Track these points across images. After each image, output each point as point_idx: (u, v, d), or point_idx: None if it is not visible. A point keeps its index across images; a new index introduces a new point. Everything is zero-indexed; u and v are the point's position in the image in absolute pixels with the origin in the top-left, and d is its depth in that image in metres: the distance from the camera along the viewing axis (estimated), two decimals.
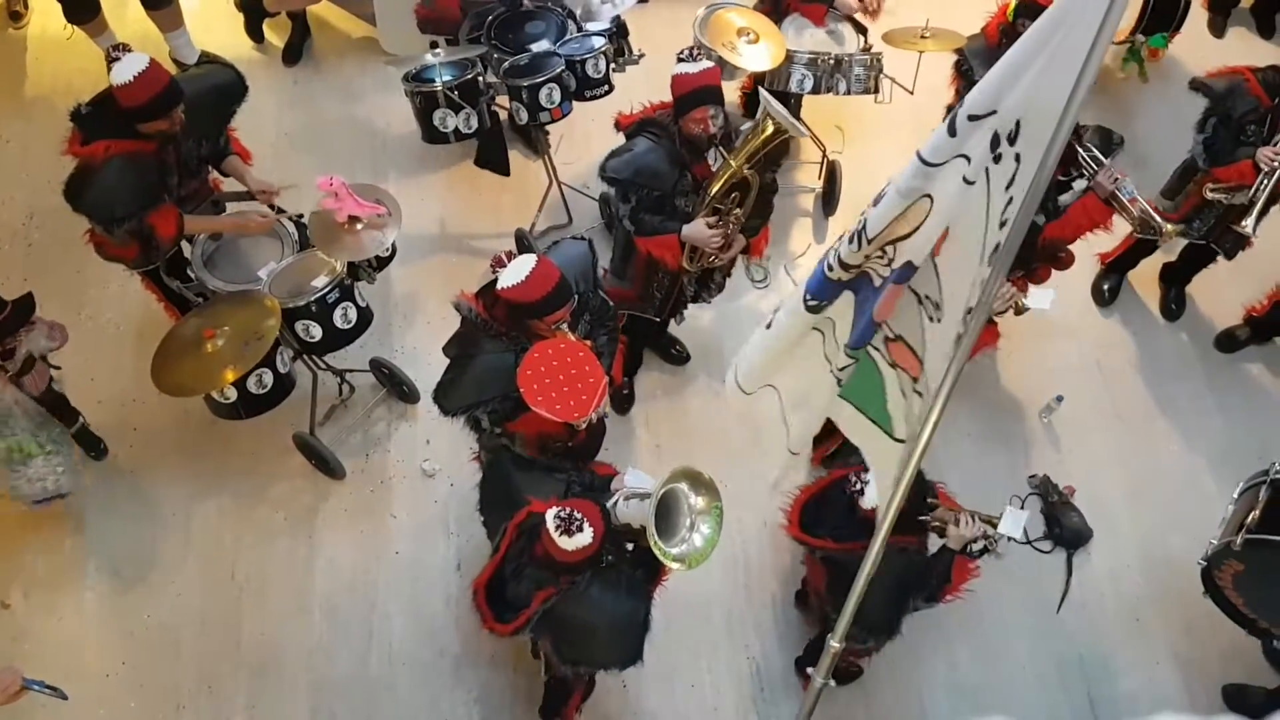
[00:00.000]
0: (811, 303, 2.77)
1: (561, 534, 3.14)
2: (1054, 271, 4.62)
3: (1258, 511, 3.78)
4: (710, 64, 4.10)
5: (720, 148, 4.14)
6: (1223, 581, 3.98)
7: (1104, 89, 6.17)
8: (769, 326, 3.00)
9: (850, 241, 2.57)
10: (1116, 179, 4.20)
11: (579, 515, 3.15)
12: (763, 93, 4.13)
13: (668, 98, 4.15)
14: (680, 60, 4.10)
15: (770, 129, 4.02)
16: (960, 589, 3.66)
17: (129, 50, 3.88)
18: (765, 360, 3.04)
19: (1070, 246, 4.68)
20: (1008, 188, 2.20)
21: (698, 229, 4.15)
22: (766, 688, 4.43)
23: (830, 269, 2.68)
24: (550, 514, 3.17)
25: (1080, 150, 4.29)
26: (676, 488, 3.22)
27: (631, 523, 3.34)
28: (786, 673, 4.44)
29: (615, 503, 3.37)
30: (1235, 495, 4.01)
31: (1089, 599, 4.66)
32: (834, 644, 2.86)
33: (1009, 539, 3.53)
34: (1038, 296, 3.89)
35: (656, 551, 3.15)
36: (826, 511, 3.76)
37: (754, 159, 4.09)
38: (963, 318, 2.37)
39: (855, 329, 2.75)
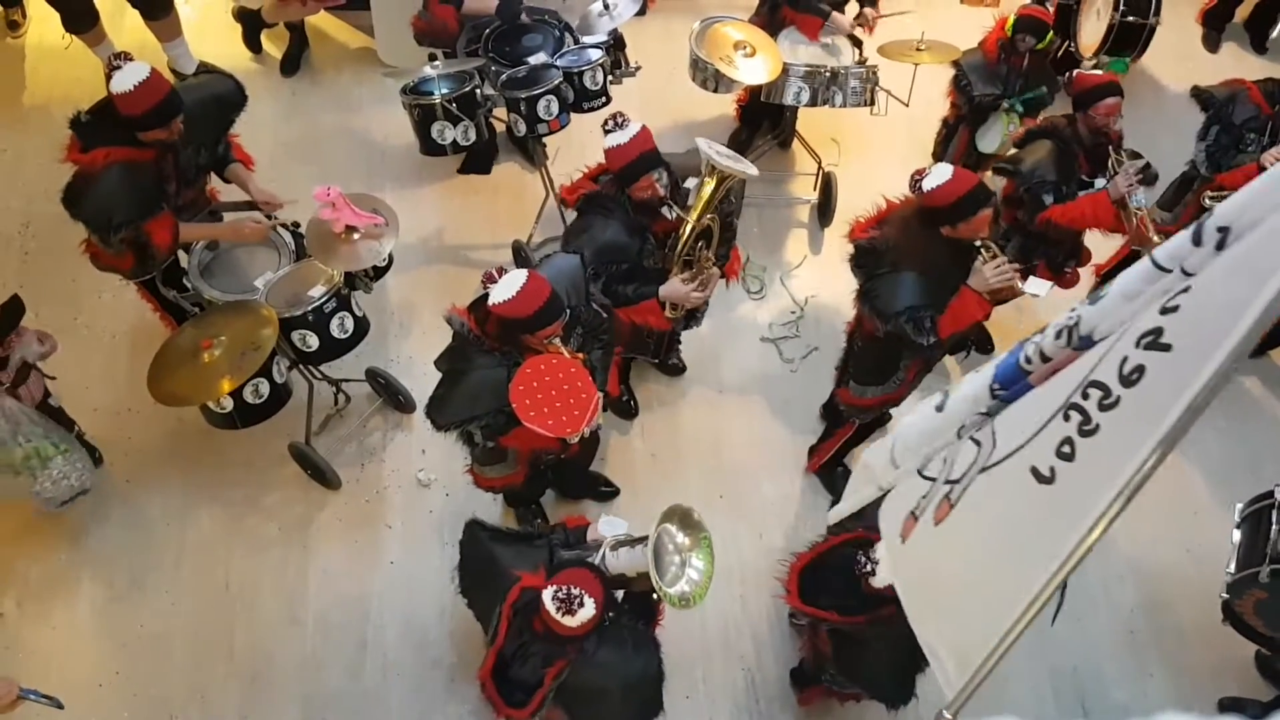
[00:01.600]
0: (1000, 392, 2.55)
1: (564, 614, 3.05)
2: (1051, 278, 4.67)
3: (1275, 538, 3.78)
4: (638, 126, 4.02)
5: (674, 205, 4.08)
6: (1243, 609, 3.98)
7: None
8: (940, 409, 2.74)
9: (1059, 336, 2.36)
10: (1132, 185, 4.28)
11: (577, 590, 3.06)
12: (700, 144, 4.15)
13: (662, 111, 4.15)
14: (607, 131, 4.01)
15: (714, 181, 4.04)
16: None
17: (130, 59, 3.88)
18: (922, 442, 2.80)
19: (1075, 264, 4.74)
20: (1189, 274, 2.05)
21: (675, 288, 4.12)
22: (762, 700, 4.42)
23: (1029, 361, 2.46)
24: (548, 596, 3.07)
25: (1113, 156, 4.39)
26: (663, 529, 3.19)
27: (625, 572, 3.29)
28: (782, 685, 4.44)
29: (603, 556, 3.32)
30: (1237, 519, 4.01)
31: (1083, 611, 4.66)
32: (948, 715, 2.81)
33: None
34: (1034, 284, 3.93)
35: (664, 597, 3.12)
36: (827, 579, 3.64)
37: (710, 208, 4.11)
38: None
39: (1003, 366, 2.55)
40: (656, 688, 3.34)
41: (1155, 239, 4.48)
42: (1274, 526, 3.81)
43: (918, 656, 3.57)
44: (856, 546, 3.51)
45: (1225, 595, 3.96)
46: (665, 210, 4.09)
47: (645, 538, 3.17)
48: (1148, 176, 4.60)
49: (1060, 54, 5.76)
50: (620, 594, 3.37)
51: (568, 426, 3.45)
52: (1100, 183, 4.44)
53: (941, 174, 3.77)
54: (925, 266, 3.87)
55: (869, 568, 3.36)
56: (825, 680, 4.10)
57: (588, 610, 3.06)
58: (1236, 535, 3.98)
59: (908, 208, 3.98)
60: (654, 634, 3.42)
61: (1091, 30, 5.60)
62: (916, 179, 3.83)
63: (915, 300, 3.85)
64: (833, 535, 3.72)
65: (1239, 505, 4.03)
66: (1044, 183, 4.40)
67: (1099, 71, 4.69)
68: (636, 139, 3.99)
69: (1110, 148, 4.47)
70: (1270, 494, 3.92)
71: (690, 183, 4.17)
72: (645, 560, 3.10)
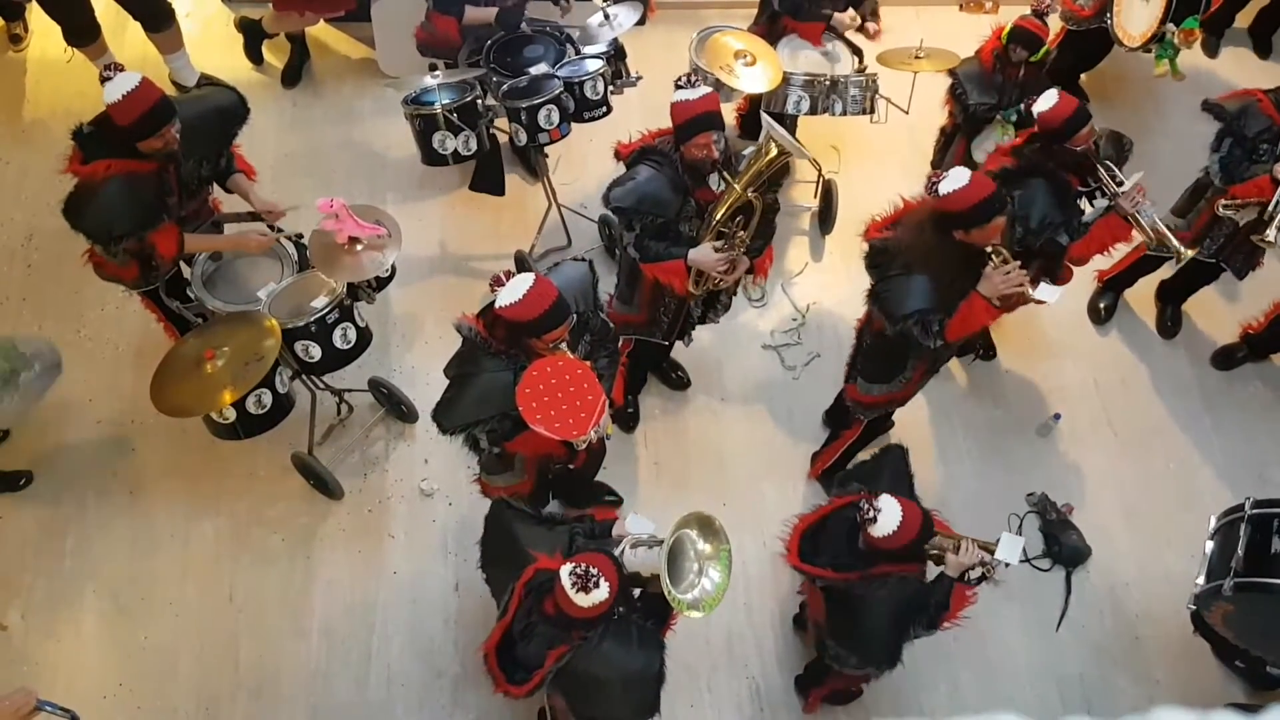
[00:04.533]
0: None
1: (578, 591, 3.06)
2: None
3: (1241, 552, 3.78)
4: (709, 89, 4.09)
5: (723, 172, 4.12)
6: (1212, 620, 3.99)
7: (1114, 107, 6.22)
8: None
9: None
10: (1137, 202, 4.23)
11: (595, 571, 3.08)
12: (765, 117, 4.13)
13: (664, 120, 4.16)
14: (679, 87, 4.08)
15: (774, 152, 4.01)
16: (958, 616, 3.64)
17: (121, 69, 3.89)
18: None
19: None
20: None
21: (704, 253, 4.12)
22: (766, 708, 4.42)
23: None
24: (565, 571, 3.09)
25: (1099, 166, 4.32)
26: (683, 534, 3.20)
27: (641, 571, 3.31)
28: (787, 693, 4.43)
29: (622, 551, 3.34)
30: (1210, 530, 4.01)
31: (1088, 617, 4.66)
32: None
33: (1006, 565, 3.53)
34: (1044, 291, 3.90)
35: (671, 601, 3.12)
36: (826, 540, 3.69)
37: (757, 182, 4.09)
38: None
39: None
40: (655, 688, 3.34)
41: (1184, 251, 4.41)
42: (1241, 539, 3.81)
43: (907, 624, 3.59)
44: (859, 508, 3.51)
45: (1192, 606, 3.98)
46: (714, 178, 4.11)
47: (664, 540, 3.17)
48: (1126, 147, 4.52)
49: (1051, 67, 5.70)
50: (637, 593, 3.38)
51: (574, 429, 3.45)
52: (1101, 202, 4.35)
53: (959, 178, 3.73)
54: (937, 270, 3.87)
55: (870, 514, 3.37)
56: (826, 658, 4.01)
57: (601, 592, 3.07)
58: (1209, 546, 3.98)
59: (923, 209, 3.97)
60: (662, 636, 3.42)
61: (1142, 15, 5.40)
62: (934, 181, 3.81)
63: (924, 304, 3.85)
64: (836, 498, 3.76)
65: (1212, 517, 4.03)
66: (1053, 225, 4.27)
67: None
68: (705, 98, 4.02)
69: (1092, 155, 4.34)
70: (1241, 507, 3.91)
71: (747, 150, 4.16)
72: (659, 563, 3.11)
